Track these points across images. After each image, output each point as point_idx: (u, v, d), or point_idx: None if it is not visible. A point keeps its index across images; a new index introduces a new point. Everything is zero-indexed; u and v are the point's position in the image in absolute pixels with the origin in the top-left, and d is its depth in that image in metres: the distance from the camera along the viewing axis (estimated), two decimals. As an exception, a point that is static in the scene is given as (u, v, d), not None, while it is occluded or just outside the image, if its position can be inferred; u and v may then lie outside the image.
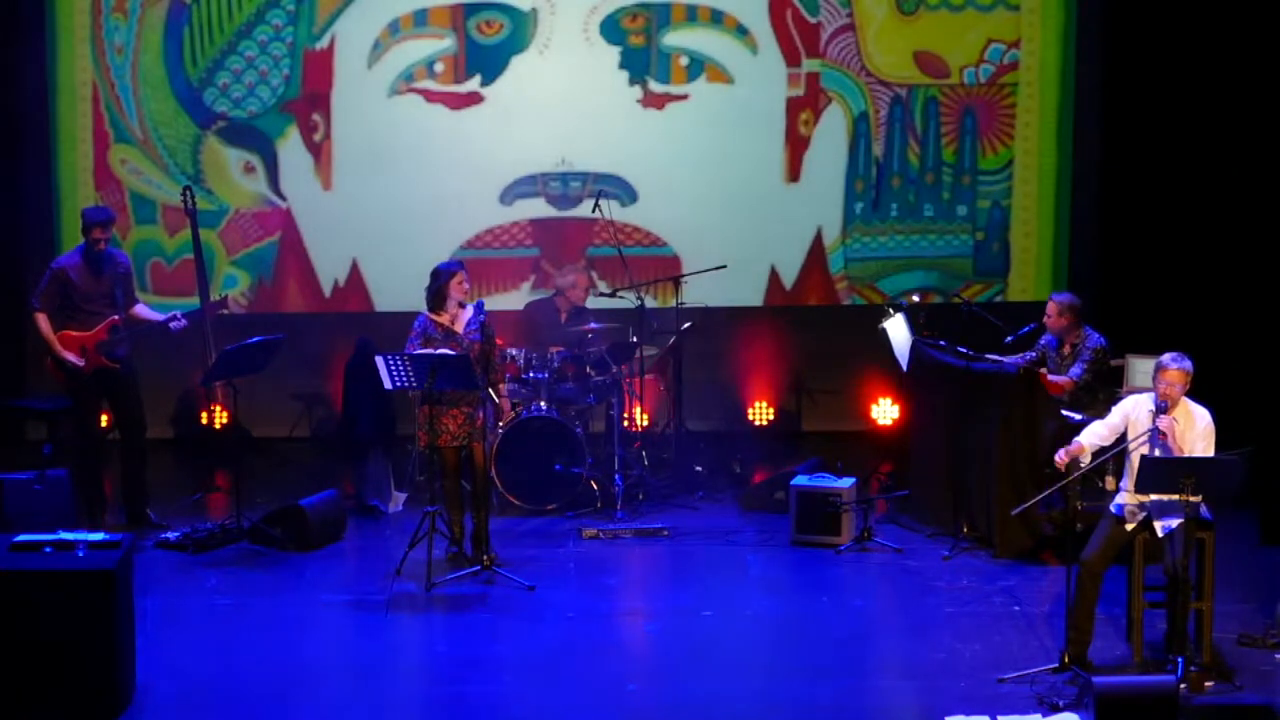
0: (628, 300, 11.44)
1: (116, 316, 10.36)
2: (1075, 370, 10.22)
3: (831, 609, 9.30)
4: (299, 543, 10.15)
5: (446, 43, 12.40)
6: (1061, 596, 8.42)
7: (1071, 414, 9.99)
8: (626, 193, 12.54)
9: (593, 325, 11.19)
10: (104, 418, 10.77)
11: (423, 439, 9.79)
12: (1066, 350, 10.36)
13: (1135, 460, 8.10)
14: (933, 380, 10.57)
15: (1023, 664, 8.25)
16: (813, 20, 12.47)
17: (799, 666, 8.44)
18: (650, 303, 11.67)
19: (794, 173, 12.62)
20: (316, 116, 12.40)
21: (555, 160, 12.51)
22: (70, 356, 10.25)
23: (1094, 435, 8.33)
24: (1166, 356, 8.19)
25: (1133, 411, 8.29)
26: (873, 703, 8.07)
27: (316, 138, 12.42)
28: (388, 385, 9.52)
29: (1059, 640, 8.28)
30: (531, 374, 10.91)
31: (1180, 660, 7.96)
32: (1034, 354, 10.46)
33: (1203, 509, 8.08)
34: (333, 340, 12.26)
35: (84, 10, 12.20)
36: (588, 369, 11.08)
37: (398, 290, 12.09)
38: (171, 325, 10.47)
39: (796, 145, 12.60)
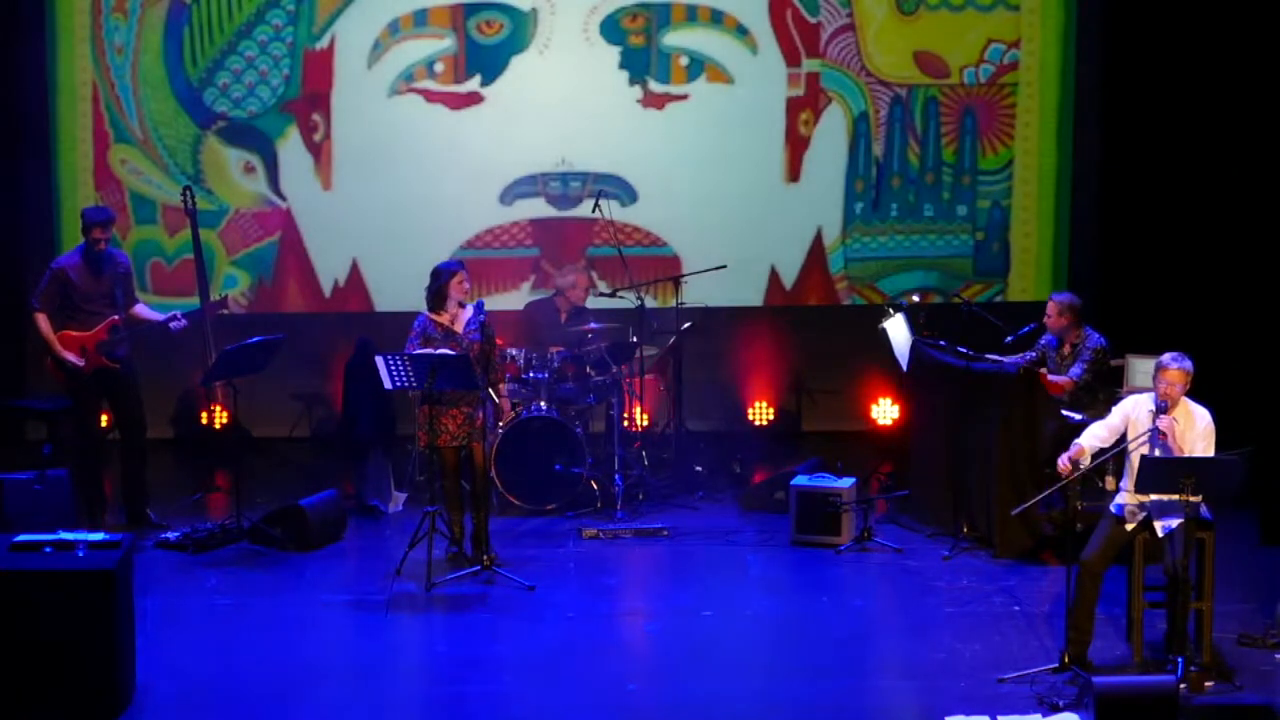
0: (628, 300, 11.44)
1: (116, 316, 10.36)
2: (1075, 370, 10.22)
3: (831, 609, 9.30)
4: (299, 543, 10.15)
5: (446, 43, 12.40)
6: (1061, 596, 8.42)
7: (1071, 414, 9.99)
8: (626, 193, 12.54)
9: (593, 325, 11.18)
10: (104, 418, 10.77)
11: (422, 439, 9.79)
12: (1066, 350, 10.36)
13: (1135, 460, 8.10)
14: (933, 380, 10.57)
15: (1023, 664, 8.26)
16: (813, 20, 12.47)
17: (799, 666, 8.44)
18: (650, 303, 11.67)
19: (794, 173, 12.62)
20: (316, 116, 12.41)
21: (555, 160, 12.51)
22: (70, 356, 10.25)
23: (1094, 437, 8.33)
24: (1166, 356, 8.20)
25: (1133, 412, 8.29)
26: (873, 703, 8.07)
27: (316, 138, 12.42)
28: (388, 385, 9.52)
29: (1059, 640, 8.28)
30: (531, 374, 10.90)
31: (1180, 660, 7.96)
32: (1034, 354, 10.46)
33: (1203, 509, 8.08)
34: (333, 340, 12.26)
35: (84, 10, 12.20)
36: (588, 369, 11.08)
37: (398, 290, 12.09)
38: (171, 325, 10.47)
39: (796, 145, 12.60)
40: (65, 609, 7.56)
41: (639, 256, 12.40)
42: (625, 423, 11.33)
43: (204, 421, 12.28)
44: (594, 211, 11.64)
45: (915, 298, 12.19)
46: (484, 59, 12.42)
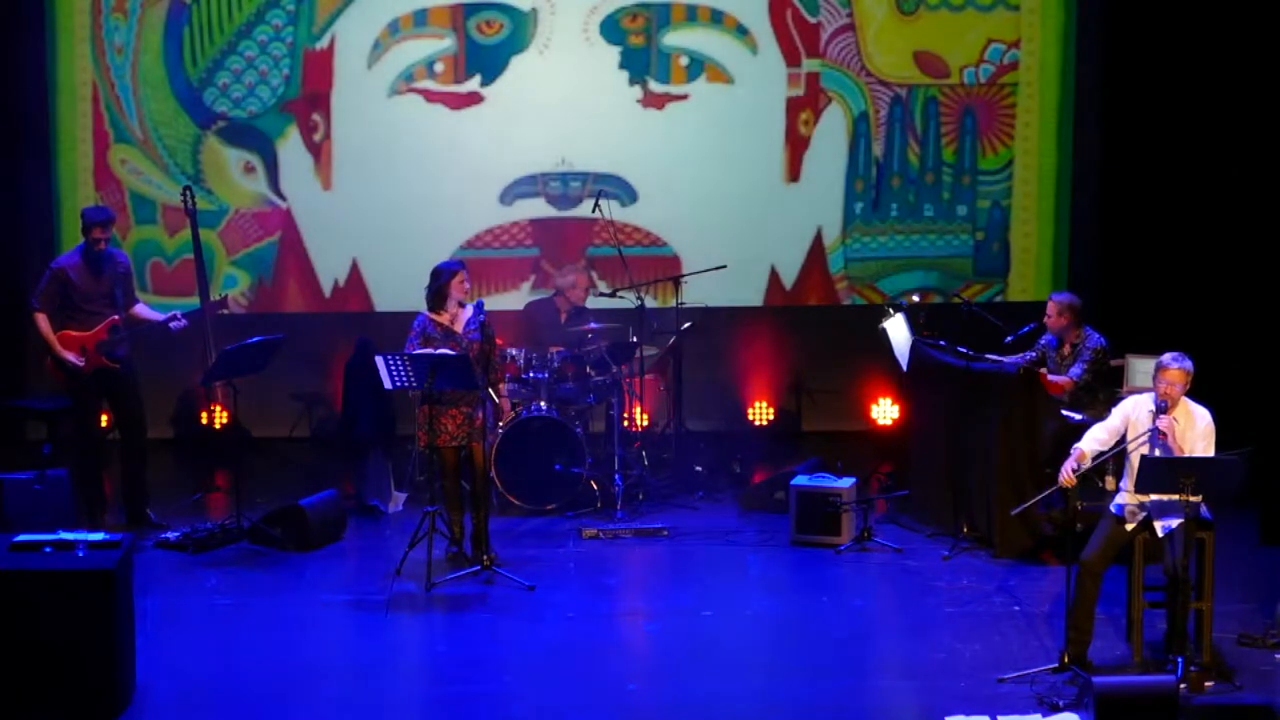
0: (628, 300, 11.44)
1: (116, 316, 10.36)
2: (1075, 370, 10.22)
3: (831, 609, 9.30)
4: (299, 543, 10.15)
5: (446, 43, 12.40)
6: (1061, 596, 8.42)
7: (1071, 414, 10.00)
8: (626, 193, 12.54)
9: (593, 325, 11.18)
10: (104, 418, 10.77)
11: (422, 439, 9.79)
12: (1066, 350, 10.36)
13: (1135, 460, 8.10)
14: (933, 380, 10.57)
15: (1023, 664, 8.25)
16: (813, 20, 12.47)
17: (799, 666, 8.44)
18: (650, 303, 11.66)
19: (794, 173, 12.62)
20: (316, 116, 12.41)
21: (555, 160, 12.51)
22: (70, 356, 10.25)
23: (1094, 441, 8.31)
24: (1167, 356, 8.20)
25: (1133, 412, 8.29)
26: (873, 703, 8.07)
27: (316, 138, 12.42)
28: (388, 385, 9.52)
29: (1059, 640, 8.28)
30: (531, 374, 10.91)
31: (1180, 660, 7.96)
32: (1034, 354, 10.46)
33: (1203, 509, 8.08)
34: (333, 340, 12.26)
35: (84, 10, 12.20)
36: (588, 369, 11.08)
37: (398, 290, 12.09)
38: (171, 325, 10.48)
39: (796, 145, 12.60)
40: (65, 609, 7.56)
41: (639, 256, 12.40)
42: (625, 423, 11.33)
43: (204, 421, 12.28)
44: (594, 211, 11.64)
45: (915, 298, 12.20)
46: (484, 59, 12.42)
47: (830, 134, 12.58)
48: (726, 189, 12.54)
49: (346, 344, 11.85)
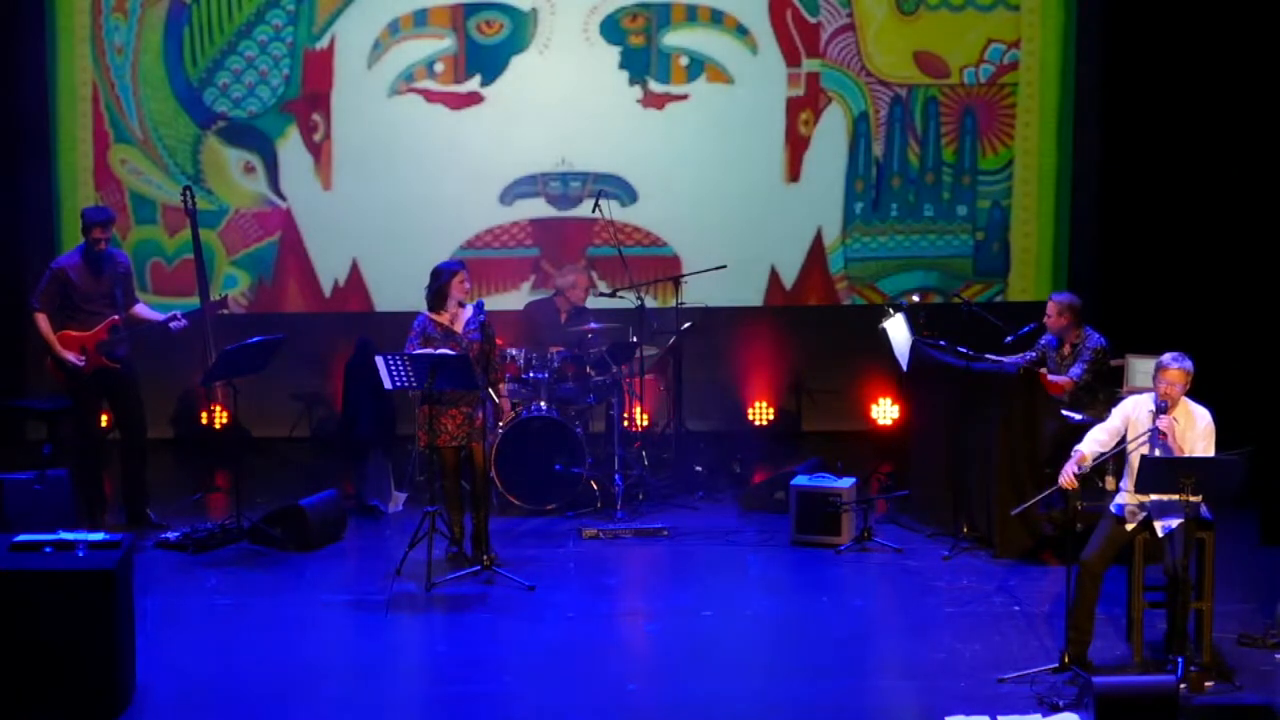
0: (628, 300, 11.44)
1: (116, 316, 10.37)
2: (1075, 370, 10.22)
3: (831, 609, 9.30)
4: (299, 543, 10.15)
5: (446, 43, 12.40)
6: (1061, 596, 8.42)
7: (1071, 414, 10.00)
8: (626, 193, 12.54)
9: (593, 325, 11.19)
10: (104, 418, 10.77)
11: (422, 439, 9.79)
12: (1066, 350, 10.36)
13: (1135, 460, 8.10)
14: (933, 380, 10.57)
15: (1023, 664, 8.25)
16: (813, 20, 12.47)
17: (799, 666, 8.44)
18: (650, 303, 11.66)
19: (794, 173, 12.62)
20: (316, 116, 12.41)
21: (555, 160, 12.51)
22: (70, 356, 10.25)
23: (1094, 443, 8.31)
24: (1167, 356, 8.20)
25: (1133, 412, 8.29)
26: (873, 703, 8.07)
27: (316, 138, 12.42)
28: (388, 385, 9.52)
29: (1059, 640, 8.28)
30: (531, 374, 10.90)
31: (1180, 660, 7.96)
32: (1034, 354, 10.46)
33: (1203, 509, 8.08)
34: (333, 340, 12.27)
35: (84, 10, 12.20)
36: (588, 369, 11.08)
37: (398, 290, 12.09)
38: (171, 325, 10.48)
39: (796, 145, 12.60)
40: (65, 609, 7.56)
41: (639, 256, 12.40)
42: (625, 423, 11.33)
43: (204, 421, 12.28)
44: (594, 211, 11.64)
45: (915, 298, 12.20)
46: (484, 59, 12.43)
47: (830, 134, 12.58)
48: (726, 189, 12.54)
49: (346, 344, 11.85)
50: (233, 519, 10.31)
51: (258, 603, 9.32)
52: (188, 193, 11.09)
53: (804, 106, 12.56)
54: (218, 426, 12.15)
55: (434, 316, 9.78)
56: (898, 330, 10.88)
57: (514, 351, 10.93)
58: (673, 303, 11.74)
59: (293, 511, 10.22)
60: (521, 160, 12.48)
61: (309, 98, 12.38)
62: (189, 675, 8.29)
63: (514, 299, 12.40)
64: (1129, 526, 8.24)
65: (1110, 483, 9.46)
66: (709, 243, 12.42)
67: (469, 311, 9.78)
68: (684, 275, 11.86)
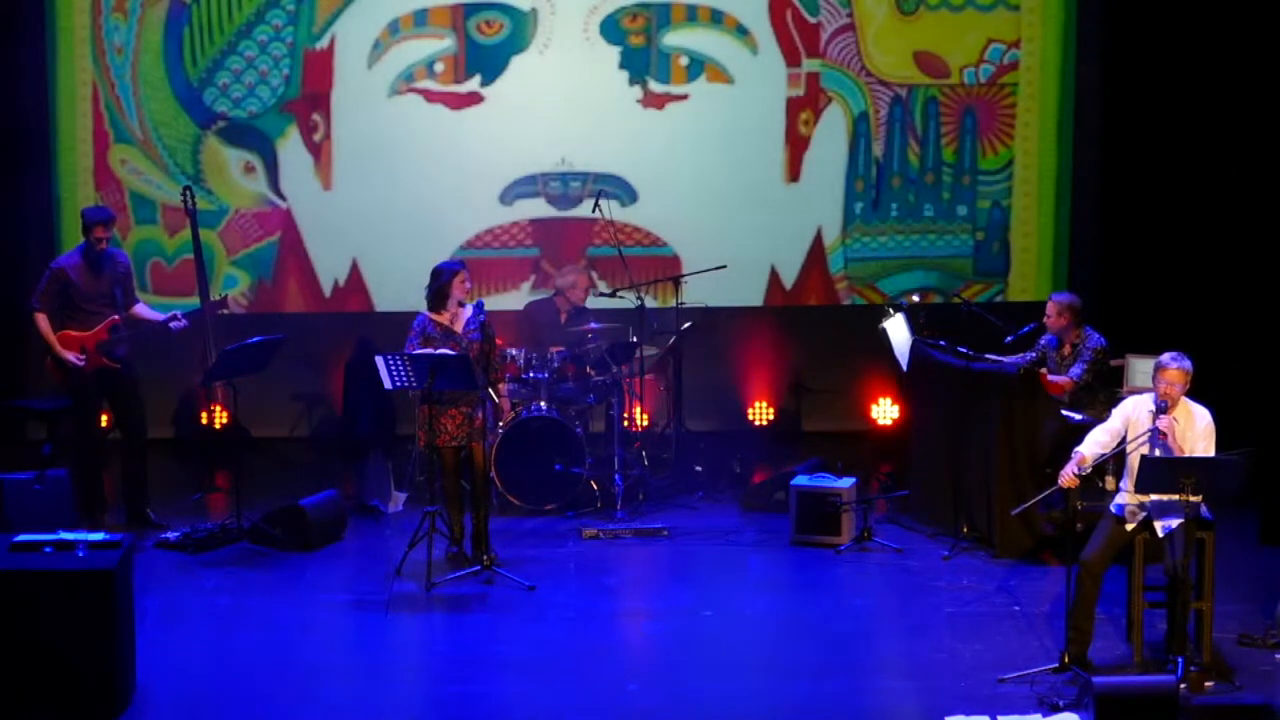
0: (628, 300, 11.44)
1: (117, 316, 10.37)
2: (1075, 370, 10.22)
3: (831, 609, 9.30)
4: (299, 543, 10.15)
5: (446, 43, 12.40)
6: (1061, 596, 8.42)
7: (1071, 414, 10.00)
8: (626, 193, 12.54)
9: (593, 325, 11.19)
10: (104, 418, 10.77)
11: (422, 439, 9.79)
12: (1066, 350, 10.36)
13: (1135, 460, 8.10)
14: (933, 380, 10.57)
15: (1023, 664, 8.25)
16: (813, 20, 12.47)
17: (799, 666, 8.44)
18: (650, 303, 11.66)
19: (794, 173, 12.62)
20: (316, 116, 12.41)
21: (555, 160, 12.51)
22: (70, 356, 10.25)
23: (1095, 444, 8.30)
24: (1166, 356, 8.20)
25: (1132, 413, 8.29)
26: (873, 703, 8.07)
27: (316, 138, 12.42)
28: (388, 385, 9.52)
29: (1059, 640, 8.28)
30: (531, 374, 10.91)
31: (1180, 660, 7.96)
32: (1034, 354, 10.46)
33: (1203, 509, 8.08)
34: (333, 340, 12.27)
35: (84, 10, 12.19)
36: (588, 369, 11.08)
37: (398, 290, 12.09)
38: (172, 325, 10.48)
39: (796, 145, 12.60)
40: (65, 609, 7.56)
41: (639, 256, 12.40)
42: (625, 423, 11.33)
43: (204, 421, 12.27)
44: (594, 211, 11.64)
45: (915, 298, 12.20)
46: (484, 59, 12.42)
47: (830, 134, 12.58)
48: (726, 189, 12.54)
49: (346, 344, 11.85)
50: (233, 519, 10.31)
51: (258, 603, 9.32)
52: (188, 193, 11.09)
53: (804, 106, 12.56)
54: (218, 426, 12.15)
55: (434, 316, 9.77)
56: (898, 330, 10.89)
57: (514, 351, 10.93)
58: (673, 303, 11.74)
59: (293, 511, 10.22)
60: (521, 160, 12.48)
61: (309, 98, 12.38)
62: (189, 675, 8.29)
63: (514, 299, 12.40)
64: (1129, 526, 8.24)
65: (1110, 483, 9.46)
66: (709, 243, 12.42)
67: (469, 311, 9.78)
68: (684, 275, 11.86)
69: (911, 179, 12.68)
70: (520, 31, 12.40)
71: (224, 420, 12.11)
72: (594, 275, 12.26)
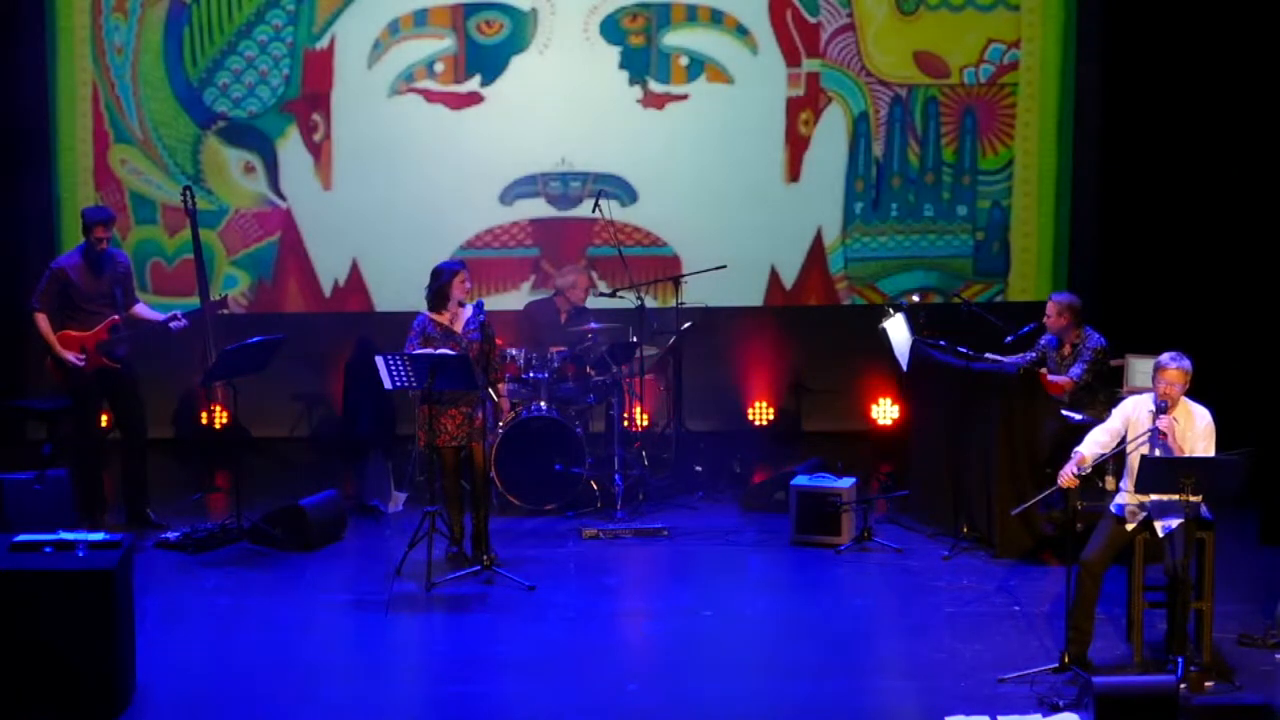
0: (628, 300, 11.44)
1: (117, 316, 10.37)
2: (1075, 370, 10.22)
3: (831, 609, 9.30)
4: (299, 543, 10.15)
5: (446, 43, 12.40)
6: (1061, 596, 8.42)
7: (1071, 414, 10.00)
8: (626, 193, 12.54)
9: (593, 325, 11.19)
10: (104, 418, 10.77)
11: (422, 439, 9.79)
12: (1066, 350, 10.36)
13: (1135, 460, 8.10)
14: (933, 380, 10.57)
15: (1023, 664, 8.25)
16: (813, 20, 12.47)
17: (799, 666, 8.44)
18: (650, 303, 11.67)
19: (794, 173, 12.62)
20: (316, 116, 12.40)
21: (555, 160, 12.51)
22: (70, 356, 10.25)
23: (1094, 444, 8.30)
24: (1165, 356, 8.20)
25: (1132, 413, 8.29)
26: (873, 703, 8.07)
27: (316, 138, 12.42)
28: (387, 385, 9.52)
29: (1059, 640, 8.28)
30: (531, 374, 10.91)
31: (1180, 660, 7.96)
32: (1034, 354, 10.46)
33: (1203, 509, 8.08)
34: (333, 340, 12.27)
35: (84, 10, 12.20)
36: (588, 369, 11.08)
37: (398, 290, 12.09)
38: (172, 325, 10.48)
39: (796, 145, 12.60)
40: (65, 609, 7.56)
41: (639, 256, 12.40)
42: (625, 423, 11.33)
43: (204, 421, 12.27)
44: (594, 211, 11.64)
45: (915, 298, 12.20)
46: (484, 59, 12.42)
47: (830, 134, 12.58)
48: (726, 189, 12.54)
49: (346, 344, 11.85)
50: (233, 519, 10.31)
51: (258, 603, 9.32)
52: (188, 193, 11.09)
53: (804, 106, 12.56)
54: (218, 426, 12.15)
55: (434, 316, 9.77)
56: (898, 330, 10.89)
57: (514, 351, 10.93)
58: (673, 303, 11.74)
59: (293, 511, 10.22)
60: (521, 160, 12.48)
61: (309, 98, 12.38)
62: (189, 675, 8.29)
63: (514, 299, 12.40)
64: (1129, 526, 8.24)
65: (1110, 483, 9.47)
66: (709, 243, 12.42)
67: (469, 311, 9.78)
68: (684, 275, 11.87)
69: (911, 179, 12.68)
70: (520, 31, 12.40)
71: (224, 420, 12.11)
72: (594, 275, 12.26)
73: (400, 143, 12.37)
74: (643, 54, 12.46)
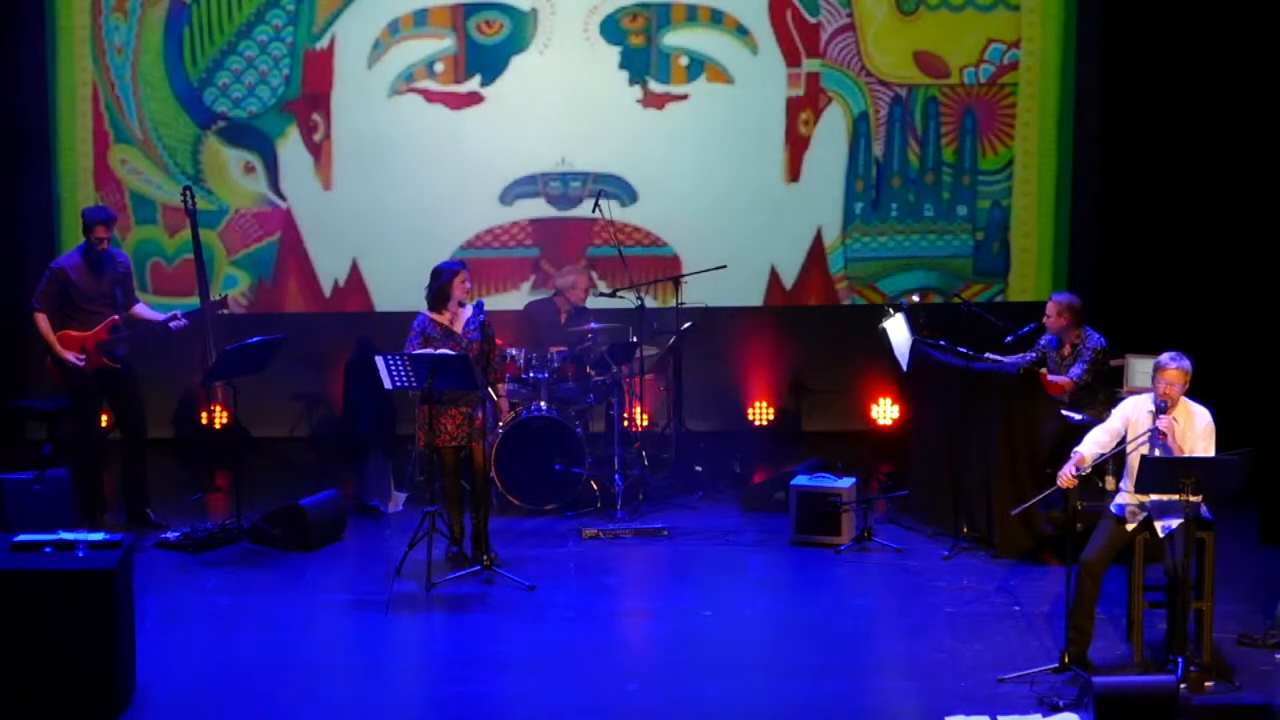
0: (628, 300, 11.44)
1: (117, 316, 10.37)
2: (1075, 370, 10.22)
3: (831, 609, 9.29)
4: (299, 543, 10.15)
5: (446, 43, 12.40)
6: (1061, 596, 8.42)
7: (1071, 414, 10.00)
8: (626, 193, 12.54)
9: (593, 325, 11.19)
10: (104, 418, 10.77)
11: (422, 439, 9.79)
12: (1066, 350, 10.36)
13: (1135, 460, 8.10)
14: (933, 380, 10.57)
15: (1023, 664, 8.25)
16: (813, 20, 12.47)
17: (799, 666, 8.44)
18: (650, 303, 11.67)
19: (794, 173, 12.62)
20: (316, 116, 12.40)
21: (555, 160, 12.51)
22: (70, 356, 10.25)
23: (1094, 444, 8.30)
24: (1165, 356, 8.20)
25: (1132, 413, 8.29)
26: (873, 703, 8.07)
27: (316, 138, 12.42)
28: (387, 385, 9.52)
29: (1059, 640, 8.28)
30: (531, 374, 10.91)
31: (1180, 660, 7.96)
32: (1034, 354, 10.46)
33: (1203, 509, 8.07)
34: (333, 340, 12.27)
35: (84, 10, 12.20)
36: (588, 369, 11.08)
37: (398, 290, 12.10)
38: (172, 325, 10.48)
39: (796, 145, 12.60)
40: (65, 609, 7.56)
41: (639, 256, 12.40)
42: (625, 423, 11.33)
43: (204, 421, 12.28)
44: (594, 211, 11.64)
45: (915, 298, 12.20)
46: (484, 59, 12.42)
47: (830, 134, 12.58)
48: (726, 189, 12.54)
49: (346, 344, 11.84)
50: (233, 519, 10.31)
51: (258, 603, 9.32)
52: (188, 193, 11.09)
53: (804, 106, 12.56)
54: (218, 426, 12.15)
55: (434, 316, 9.78)
56: (898, 330, 10.89)
57: (514, 351, 10.93)
58: (673, 303, 11.74)
59: (293, 511, 10.22)
60: (521, 160, 12.48)
61: (309, 98, 12.38)
62: (189, 675, 8.29)
63: (514, 299, 12.40)
64: (1129, 526, 8.24)
65: (1110, 483, 9.47)
66: (709, 243, 12.42)
67: (469, 311, 9.79)
68: (684, 275, 11.87)
69: (911, 179, 12.68)
70: (520, 31, 12.40)
71: (224, 420, 12.11)
72: (594, 275, 12.26)
73: (400, 143, 12.37)
74: (643, 54, 12.46)
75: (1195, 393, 8.26)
